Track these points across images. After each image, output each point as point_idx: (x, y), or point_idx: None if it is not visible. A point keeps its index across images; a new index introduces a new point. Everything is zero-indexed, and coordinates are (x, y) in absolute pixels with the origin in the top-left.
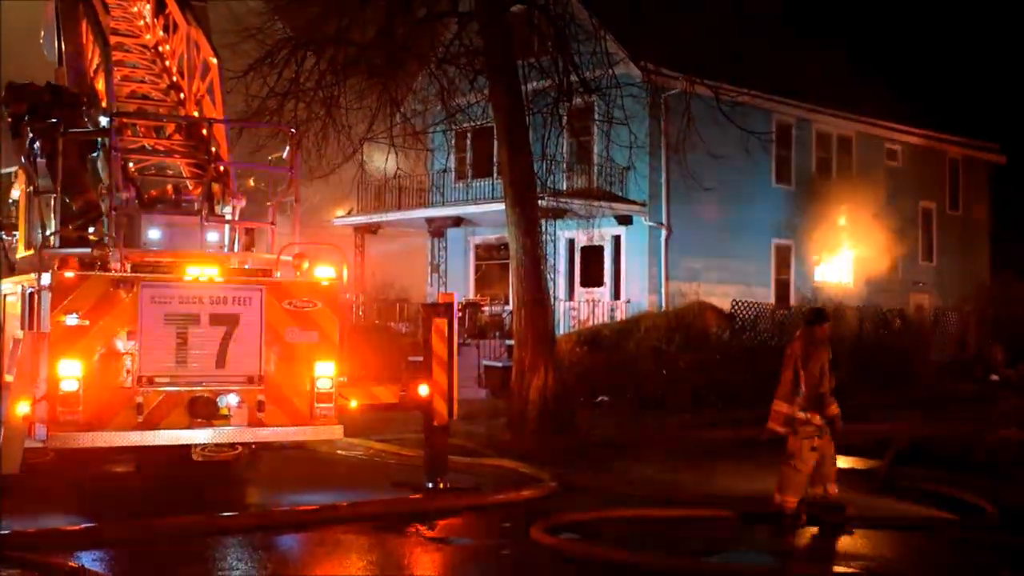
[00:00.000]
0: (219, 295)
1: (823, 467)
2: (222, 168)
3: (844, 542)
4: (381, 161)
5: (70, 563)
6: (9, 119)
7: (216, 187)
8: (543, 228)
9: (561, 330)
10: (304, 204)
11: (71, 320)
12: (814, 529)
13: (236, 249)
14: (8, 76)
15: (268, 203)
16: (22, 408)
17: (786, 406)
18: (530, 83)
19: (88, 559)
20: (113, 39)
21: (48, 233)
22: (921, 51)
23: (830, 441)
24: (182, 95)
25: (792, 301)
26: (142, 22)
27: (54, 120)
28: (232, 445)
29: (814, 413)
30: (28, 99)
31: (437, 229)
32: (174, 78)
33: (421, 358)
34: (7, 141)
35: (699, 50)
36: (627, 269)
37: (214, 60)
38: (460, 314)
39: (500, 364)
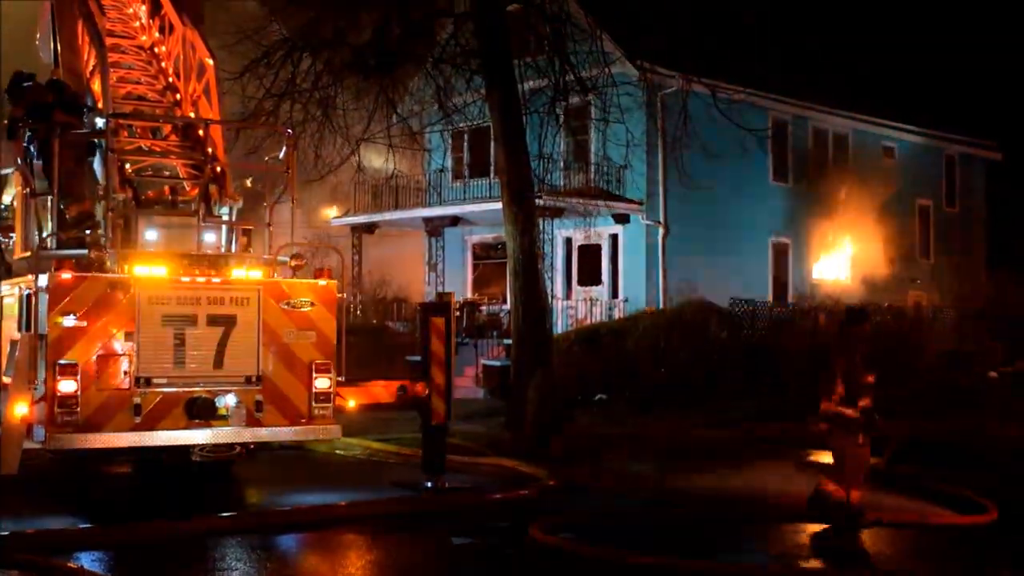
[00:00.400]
0: (216, 296)
1: (856, 471)
2: (219, 169)
3: (845, 540)
4: (378, 161)
5: (69, 564)
6: (6, 121)
7: (213, 188)
8: (540, 227)
9: (559, 329)
10: (301, 205)
11: (68, 321)
12: (816, 527)
13: (233, 250)
14: (7, 75)
15: (265, 204)
16: (20, 409)
17: (827, 403)
18: (527, 82)
19: (87, 560)
20: (109, 40)
21: (45, 235)
22: (918, 49)
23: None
24: (178, 96)
25: (790, 299)
26: (138, 23)
27: (54, 122)
28: (230, 445)
29: (847, 407)
30: (28, 99)
31: (434, 228)
32: (170, 79)
33: (419, 357)
34: (4, 142)
35: (695, 48)
36: (625, 268)
37: (210, 61)
38: (458, 313)
39: (498, 363)
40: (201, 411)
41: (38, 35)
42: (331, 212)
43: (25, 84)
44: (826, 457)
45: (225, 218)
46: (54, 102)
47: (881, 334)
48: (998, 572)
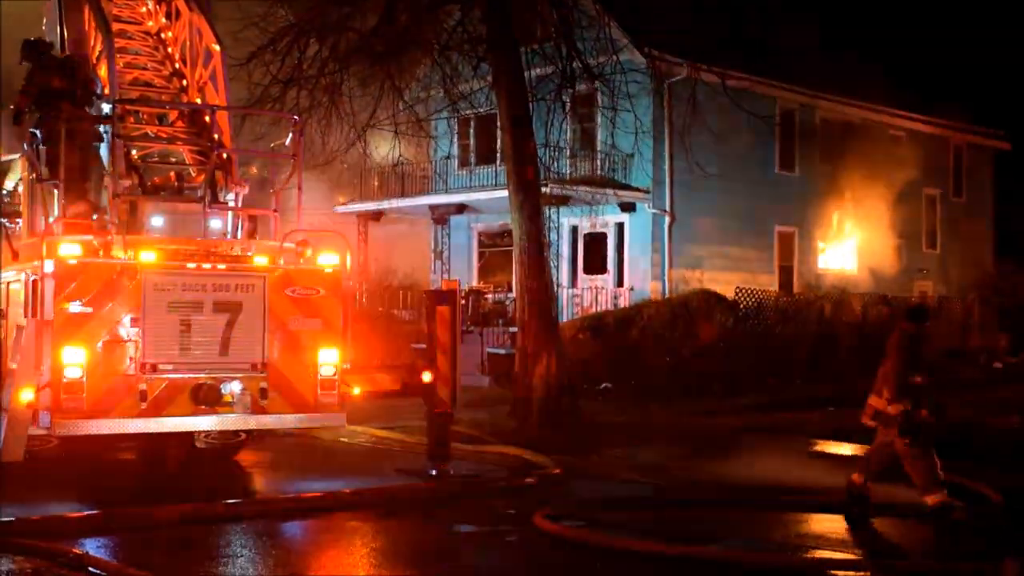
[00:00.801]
0: (222, 282)
1: (879, 461)
2: (225, 155)
3: (848, 528)
4: (384, 148)
5: (74, 550)
6: (11, 107)
7: (219, 174)
8: (547, 215)
9: (564, 317)
10: (307, 191)
11: (74, 307)
12: (820, 516)
13: (239, 236)
14: (9, 70)
15: (271, 190)
16: (26, 395)
17: (876, 399)
18: (533, 69)
19: (92, 546)
20: (115, 26)
21: (51, 220)
22: (926, 38)
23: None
24: (185, 82)
25: (796, 288)
26: (144, 9)
27: (61, 114)
28: (235, 432)
29: (895, 405)
30: (37, 84)
31: (440, 216)
32: (177, 65)
33: (424, 345)
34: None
35: (703, 36)
36: (630, 256)
37: (217, 47)
38: (463, 301)
39: (503, 351)
40: (207, 398)
41: (44, 20)
42: (342, 199)
43: (35, 68)
44: (837, 447)
45: (231, 204)
46: (63, 91)
47: (885, 324)
48: (1003, 559)
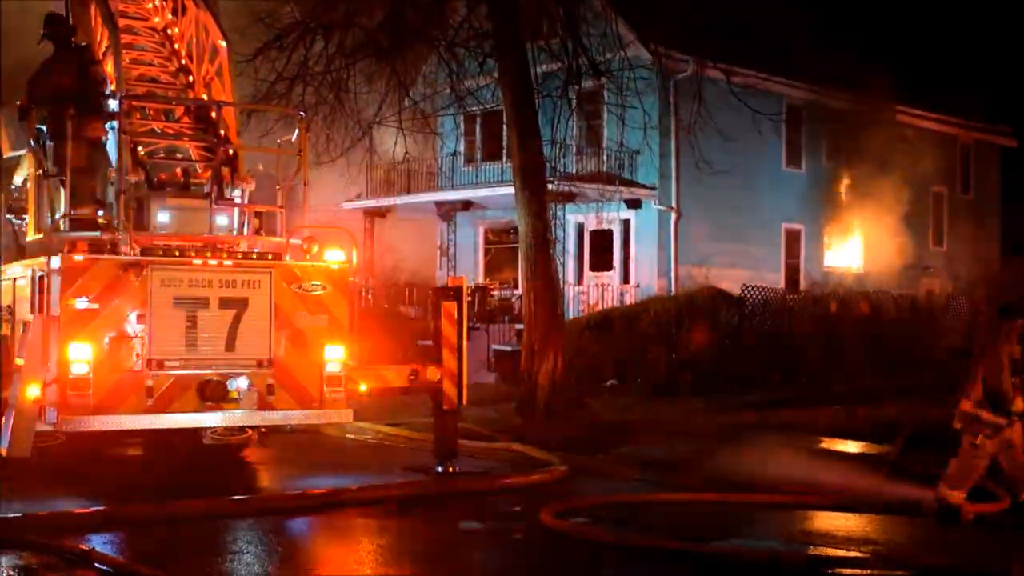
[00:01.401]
0: (228, 278)
1: (1015, 471)
2: (231, 151)
3: (854, 526)
4: (391, 145)
5: (80, 546)
6: (18, 103)
7: (225, 170)
8: (552, 212)
9: (570, 314)
10: (313, 188)
11: (81, 303)
12: (826, 514)
13: (245, 232)
14: (10, 66)
15: (277, 187)
16: (33, 391)
17: (965, 402)
18: (539, 66)
19: (98, 542)
20: (122, 22)
21: (57, 216)
22: (933, 34)
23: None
24: (191, 78)
25: (802, 286)
26: (151, 5)
27: (67, 115)
28: (242, 429)
29: (986, 411)
30: (52, 82)
31: (446, 213)
32: (183, 61)
33: (431, 342)
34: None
35: (709, 33)
36: (637, 253)
37: (223, 43)
38: (469, 298)
39: (509, 348)
40: (213, 394)
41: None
42: (348, 196)
43: (45, 67)
44: (844, 445)
45: (237, 200)
46: (73, 92)
47: (892, 321)
48: (1011, 560)
